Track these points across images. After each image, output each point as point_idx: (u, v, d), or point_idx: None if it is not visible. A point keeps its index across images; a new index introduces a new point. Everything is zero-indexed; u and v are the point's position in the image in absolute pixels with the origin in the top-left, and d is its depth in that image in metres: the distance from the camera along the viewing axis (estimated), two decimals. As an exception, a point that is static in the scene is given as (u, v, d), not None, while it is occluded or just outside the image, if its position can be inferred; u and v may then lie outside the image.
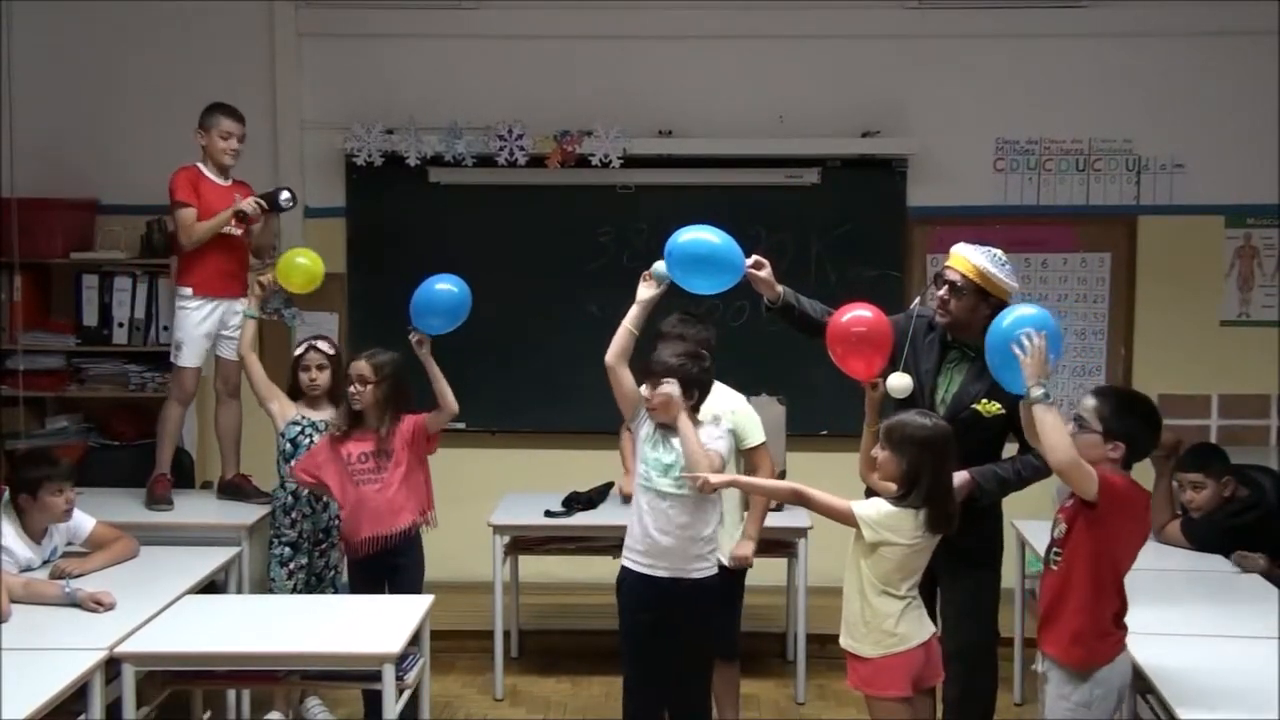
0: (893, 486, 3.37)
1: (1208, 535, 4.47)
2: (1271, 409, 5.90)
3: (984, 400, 3.66)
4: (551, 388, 5.87)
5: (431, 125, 5.79)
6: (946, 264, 3.77)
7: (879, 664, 3.34)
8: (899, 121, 5.81)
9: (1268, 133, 5.72)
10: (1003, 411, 3.66)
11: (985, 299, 3.68)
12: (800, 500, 3.45)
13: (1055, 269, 5.92)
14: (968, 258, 3.71)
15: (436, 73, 5.92)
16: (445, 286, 4.32)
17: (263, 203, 4.81)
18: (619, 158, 5.76)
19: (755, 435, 4.14)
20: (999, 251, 3.74)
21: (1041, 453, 3.25)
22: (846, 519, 3.33)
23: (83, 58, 5.88)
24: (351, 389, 4.26)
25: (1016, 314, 3.30)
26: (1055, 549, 3.30)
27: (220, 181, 4.92)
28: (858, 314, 3.64)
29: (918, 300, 4.01)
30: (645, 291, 3.71)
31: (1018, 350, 3.17)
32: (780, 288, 3.81)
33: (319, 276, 4.73)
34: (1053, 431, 3.10)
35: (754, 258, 3.75)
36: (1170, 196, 5.89)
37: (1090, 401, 3.27)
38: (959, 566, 3.69)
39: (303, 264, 4.68)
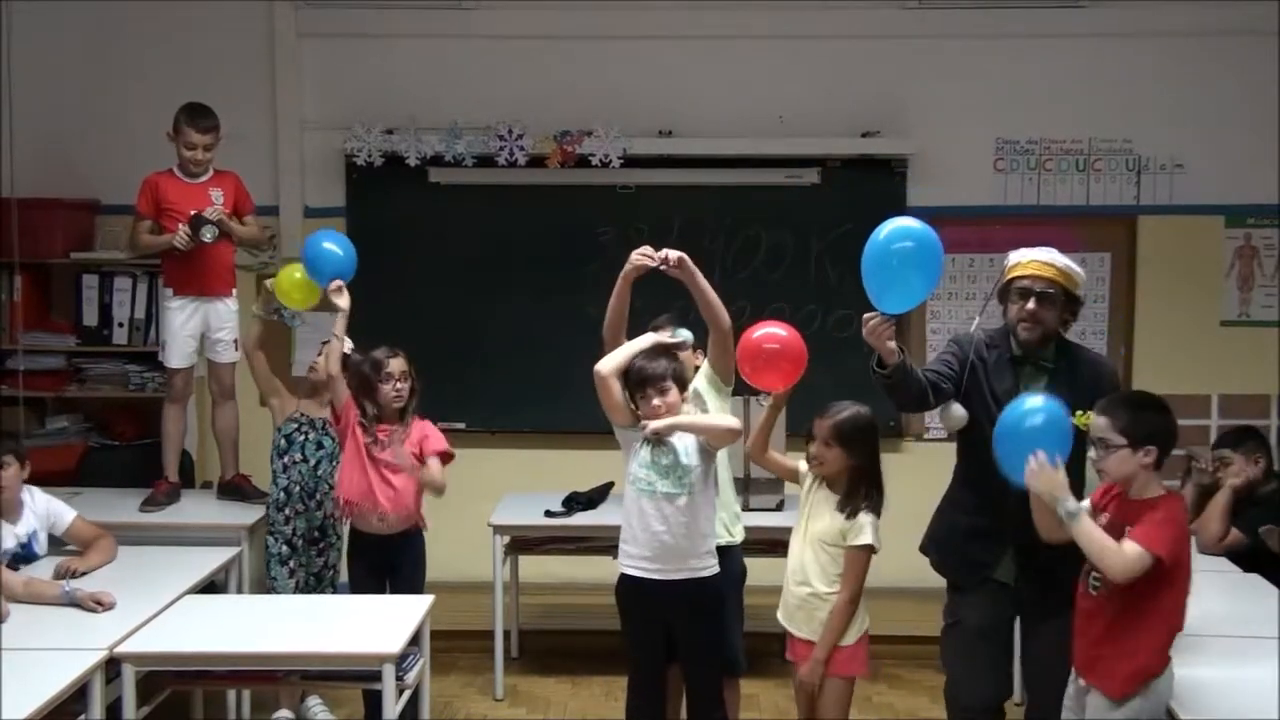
0: (793, 467, 3.82)
1: (1261, 518, 4.47)
2: (1271, 409, 5.89)
3: (1079, 413, 3.27)
4: (551, 388, 5.86)
5: (431, 125, 5.78)
6: (1023, 274, 3.50)
7: (855, 648, 3.61)
8: (899, 121, 5.81)
9: (1268, 133, 5.72)
10: None
11: (1067, 302, 3.52)
12: (854, 599, 3.62)
13: (1055, 269, 5.92)
14: (1052, 262, 3.49)
15: (436, 73, 5.92)
16: (331, 246, 4.46)
17: (190, 233, 4.75)
18: (619, 158, 5.75)
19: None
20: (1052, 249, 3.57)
21: None
22: (864, 557, 3.59)
23: (83, 58, 5.87)
24: (396, 387, 4.27)
25: (1026, 405, 3.18)
26: (1094, 575, 3.12)
27: (192, 181, 4.90)
28: (771, 331, 3.70)
29: (976, 322, 3.74)
30: (657, 337, 3.80)
31: (1031, 464, 3.06)
32: (893, 343, 3.38)
33: (317, 293, 4.62)
34: (1093, 548, 3.01)
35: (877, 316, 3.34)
36: (1170, 196, 5.89)
37: (1101, 420, 3.11)
38: (1057, 604, 3.35)
39: (299, 279, 4.59)
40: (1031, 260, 3.51)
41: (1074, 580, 3.27)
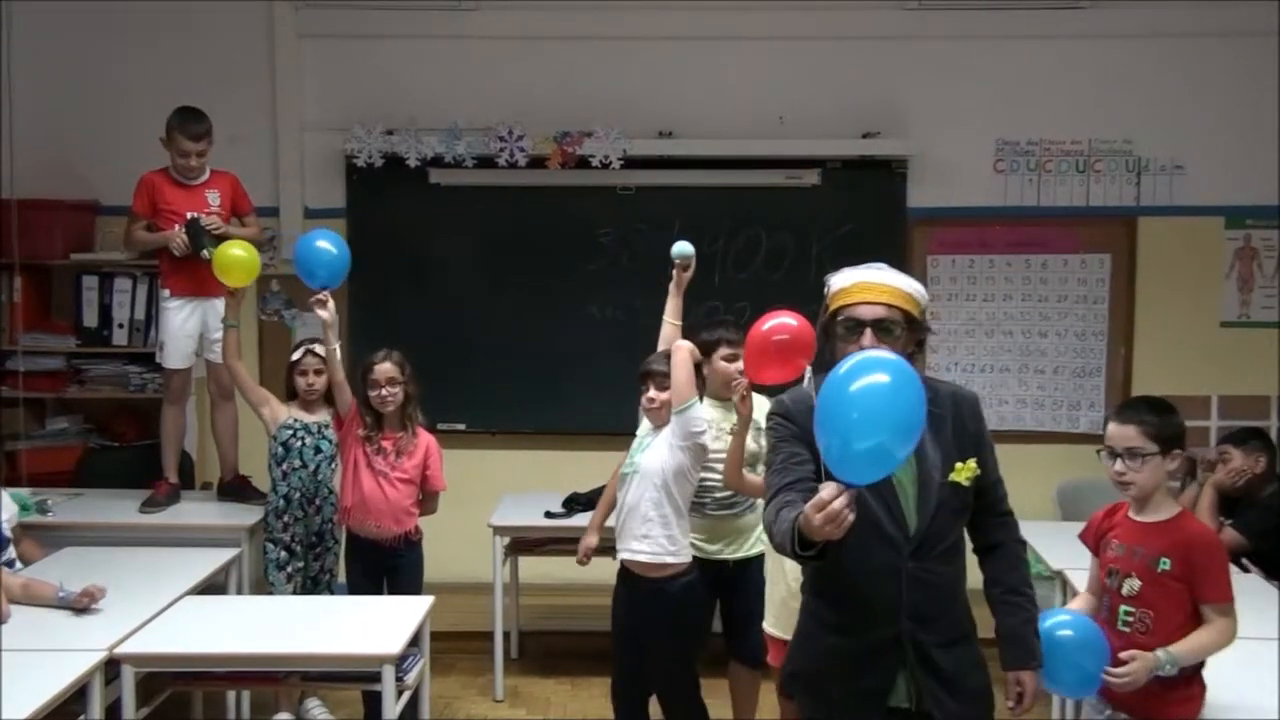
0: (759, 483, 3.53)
1: (1261, 520, 4.47)
2: (1271, 410, 5.89)
3: (957, 465, 2.65)
4: (551, 388, 5.87)
5: (431, 126, 5.78)
6: (851, 301, 2.64)
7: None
8: (899, 123, 5.81)
9: (1268, 133, 5.73)
10: (979, 471, 2.70)
11: (910, 329, 2.67)
12: None
13: (1055, 270, 5.92)
14: (886, 282, 2.66)
15: (436, 74, 5.92)
16: (325, 245, 4.40)
17: (188, 242, 4.76)
18: (619, 159, 5.75)
19: None
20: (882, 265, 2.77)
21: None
22: None
23: (83, 58, 5.87)
24: (381, 393, 4.28)
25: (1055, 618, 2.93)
26: (1127, 608, 2.93)
27: (188, 182, 4.90)
28: (781, 321, 3.48)
29: (807, 376, 3.33)
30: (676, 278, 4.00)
31: (1113, 682, 2.86)
32: None
33: (256, 268, 4.63)
34: (1203, 655, 2.93)
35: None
36: (1170, 197, 5.89)
37: (1129, 429, 2.89)
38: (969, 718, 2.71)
39: (239, 255, 4.54)
40: (858, 282, 2.66)
41: (985, 685, 2.70)
